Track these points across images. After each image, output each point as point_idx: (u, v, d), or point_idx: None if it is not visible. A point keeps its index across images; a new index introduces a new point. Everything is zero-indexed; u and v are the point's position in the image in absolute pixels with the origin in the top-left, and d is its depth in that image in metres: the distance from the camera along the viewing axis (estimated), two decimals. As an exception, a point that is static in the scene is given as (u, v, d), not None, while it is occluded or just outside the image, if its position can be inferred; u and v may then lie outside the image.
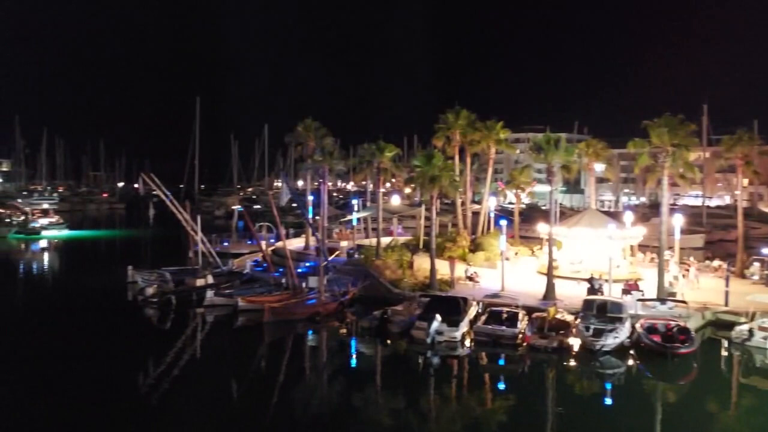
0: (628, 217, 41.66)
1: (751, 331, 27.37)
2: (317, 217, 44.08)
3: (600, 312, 28.24)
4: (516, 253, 43.27)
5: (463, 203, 47.48)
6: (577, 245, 38.52)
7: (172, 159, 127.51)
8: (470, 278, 36.45)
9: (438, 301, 30.42)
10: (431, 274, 34.70)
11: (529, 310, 30.21)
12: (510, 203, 59.09)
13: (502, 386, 24.61)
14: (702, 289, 34.16)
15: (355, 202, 54.71)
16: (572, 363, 26.54)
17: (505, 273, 34.60)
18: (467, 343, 28.15)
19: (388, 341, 28.84)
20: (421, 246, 42.78)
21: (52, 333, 31.11)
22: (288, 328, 31.14)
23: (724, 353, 27.74)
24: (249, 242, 52.43)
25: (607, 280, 32.24)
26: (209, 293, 34.76)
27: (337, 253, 43.54)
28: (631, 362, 26.45)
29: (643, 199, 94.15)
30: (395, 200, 54.96)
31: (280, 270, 37.99)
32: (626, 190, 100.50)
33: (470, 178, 47.94)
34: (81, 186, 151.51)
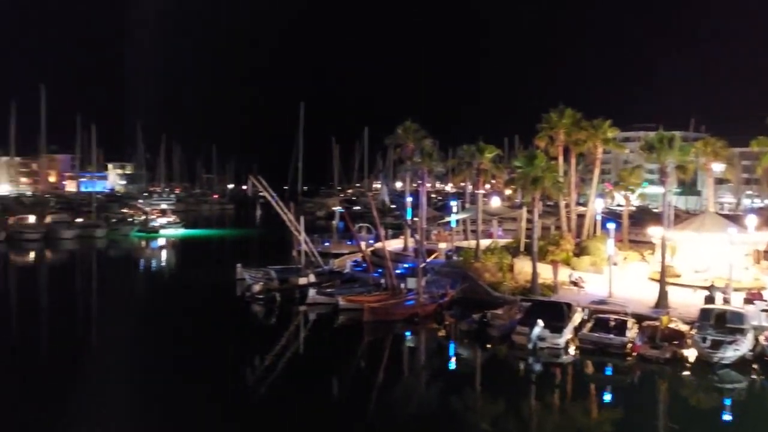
0: (751, 220, 38.44)
1: None
2: (416, 219, 44.12)
3: (719, 322, 26.24)
4: (624, 258, 41.14)
5: (567, 205, 45.79)
6: (695, 250, 36.06)
7: (277, 162, 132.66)
8: (575, 283, 35.07)
9: (540, 306, 29.48)
10: (533, 277, 33.74)
11: (639, 319, 28.61)
12: (618, 205, 56.35)
13: (608, 397, 23.45)
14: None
15: (453, 203, 54.12)
16: (687, 376, 24.86)
17: (612, 278, 32.99)
18: (571, 350, 27.09)
19: (488, 345, 28.34)
20: (522, 249, 41.70)
21: (169, 324, 33.25)
22: (387, 328, 31.40)
23: None
24: (349, 243, 53.36)
25: (732, 290, 29.92)
26: (311, 291, 35.73)
27: (435, 254, 43.37)
28: (754, 377, 24.39)
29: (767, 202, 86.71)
30: (495, 202, 53.93)
31: (379, 270, 38.37)
32: (749, 192, 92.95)
33: (575, 179, 46.05)
34: (195, 188, 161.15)
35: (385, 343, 30.23)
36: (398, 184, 69.39)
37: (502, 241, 45.78)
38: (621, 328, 27.05)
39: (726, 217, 45.27)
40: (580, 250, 40.56)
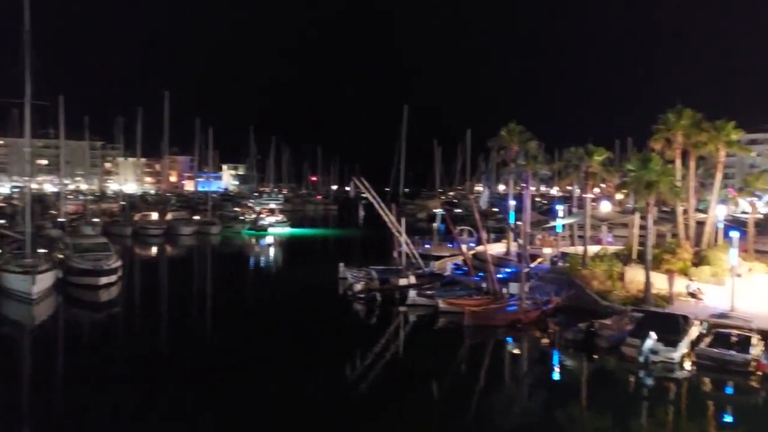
0: None
1: None
2: (519, 222, 43.09)
3: None
4: (749, 270, 37.90)
5: (685, 211, 42.88)
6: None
7: (379, 163, 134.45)
8: (692, 295, 32.80)
9: (653, 318, 27.80)
10: (646, 287, 31.90)
11: (765, 335, 26.29)
12: (743, 213, 52.13)
13: (728, 418, 21.70)
14: None
15: (559, 207, 52.36)
16: (823, 402, 22.51)
17: (735, 291, 30.54)
18: (687, 366, 25.35)
19: (595, 356, 27.11)
20: (633, 256, 39.54)
21: (275, 317, 34.59)
22: (487, 333, 30.87)
23: None
24: (450, 245, 53.07)
25: None
26: (412, 293, 35.84)
27: (539, 260, 42.16)
28: None
29: None
30: (605, 207, 51.50)
31: (480, 274, 37.83)
32: None
33: (694, 184, 43.02)
34: (301, 188, 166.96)
35: (486, 349, 29.74)
36: (501, 187, 68.04)
37: (612, 248, 43.68)
38: (744, 344, 25.02)
39: None
40: (699, 260, 37.83)
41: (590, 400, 23.24)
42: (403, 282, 38.72)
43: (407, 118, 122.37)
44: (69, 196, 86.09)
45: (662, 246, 39.32)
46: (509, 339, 30.71)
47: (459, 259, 43.89)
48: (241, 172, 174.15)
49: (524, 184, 42.43)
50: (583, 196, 44.08)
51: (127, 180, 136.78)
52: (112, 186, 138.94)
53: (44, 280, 36.47)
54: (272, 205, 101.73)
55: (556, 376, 26.70)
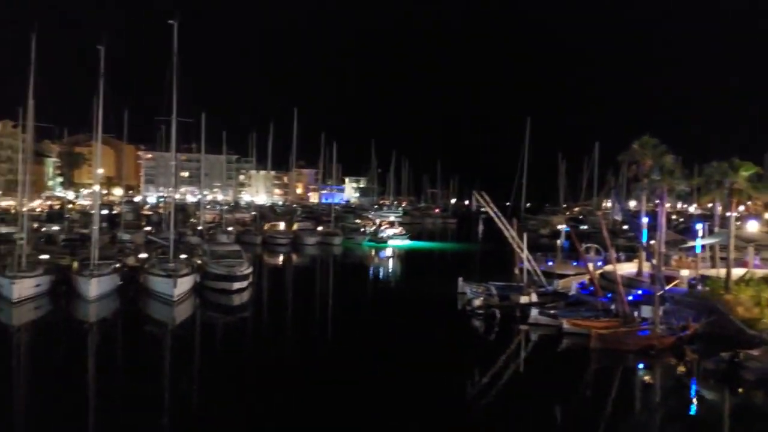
0: None
1: None
2: (653, 242, 40.45)
3: None
4: None
5: None
6: None
7: (500, 177, 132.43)
8: None
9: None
10: (801, 317, 28.70)
11: None
12: None
13: None
14: None
15: (699, 226, 48.57)
16: None
17: None
18: None
19: (740, 390, 24.75)
20: (786, 282, 35.77)
21: (394, 328, 34.91)
22: (616, 358, 29.17)
23: None
24: (575, 263, 50.91)
25: None
26: (534, 311, 34.75)
27: (675, 282, 39.21)
28: None
29: None
30: (752, 226, 47.08)
31: (609, 295, 35.90)
32: None
33: None
34: (420, 201, 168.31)
35: (614, 374, 28.09)
36: (632, 203, 64.48)
37: (760, 272, 39.79)
38: None
39: None
40: None
41: (734, 439, 21.22)
42: (524, 299, 37.64)
43: (530, 131, 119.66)
44: (207, 206, 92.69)
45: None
46: (640, 365, 28.81)
47: (585, 278, 41.95)
48: (362, 185, 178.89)
49: (659, 201, 39.78)
50: (727, 214, 40.61)
51: (258, 191, 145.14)
52: (245, 197, 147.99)
53: (184, 284, 39.44)
54: (392, 218, 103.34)
55: (693, 409, 24.64)
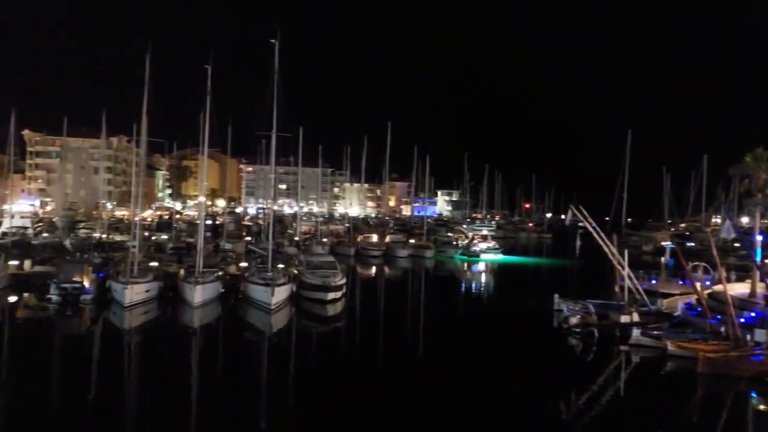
0: None
1: None
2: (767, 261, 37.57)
3: None
4: None
5: None
6: None
7: (599, 192, 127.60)
8: None
9: None
10: None
11: None
12: None
13: None
14: None
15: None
16: None
17: None
18: None
19: None
20: None
21: (484, 344, 34.45)
22: (726, 384, 27.22)
23: None
24: (680, 282, 48.20)
25: None
26: (635, 332, 33.12)
27: (794, 305, 36.15)
28: None
29: None
30: None
31: (718, 317, 33.61)
32: None
33: None
34: (514, 215, 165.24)
35: (724, 402, 26.19)
36: (744, 220, 60.25)
37: None
38: None
39: None
40: None
41: None
42: (624, 319, 35.95)
43: (631, 143, 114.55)
44: (303, 218, 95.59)
45: None
46: (754, 393, 26.72)
47: (691, 298, 39.52)
48: (454, 198, 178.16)
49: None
50: None
51: (352, 204, 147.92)
52: (339, 209, 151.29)
53: (281, 293, 40.84)
54: (485, 231, 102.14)
55: (817, 444, 22.56)
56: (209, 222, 75.26)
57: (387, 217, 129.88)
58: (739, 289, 42.26)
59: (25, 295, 40.92)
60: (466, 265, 75.36)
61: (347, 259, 69.99)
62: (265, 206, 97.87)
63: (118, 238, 64.41)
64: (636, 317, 36.09)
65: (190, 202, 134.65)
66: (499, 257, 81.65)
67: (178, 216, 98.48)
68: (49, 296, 39.96)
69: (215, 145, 54.63)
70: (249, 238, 72.44)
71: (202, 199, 56.55)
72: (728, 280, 39.77)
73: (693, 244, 79.80)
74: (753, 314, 34.29)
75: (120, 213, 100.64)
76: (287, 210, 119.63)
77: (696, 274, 44.38)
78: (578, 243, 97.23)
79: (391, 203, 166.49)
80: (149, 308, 40.48)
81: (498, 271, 72.83)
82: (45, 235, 72.31)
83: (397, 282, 65.49)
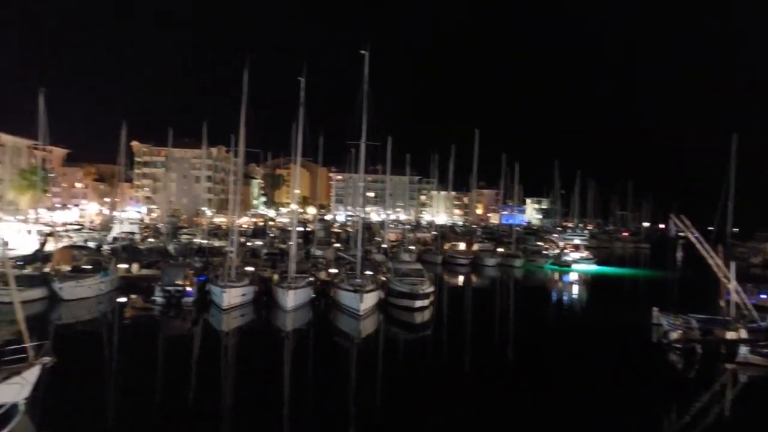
0: None
1: None
2: None
3: None
4: None
5: None
6: None
7: (702, 199, 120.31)
8: None
9: None
10: None
11: None
12: None
13: None
14: None
15: None
16: None
17: None
18: None
19: None
20: None
21: (577, 357, 33.28)
22: None
23: None
24: (795, 297, 44.58)
25: None
26: (743, 349, 31.00)
27: None
28: None
29: None
30: None
31: (841, 336, 30.84)
32: None
33: None
34: (608, 224, 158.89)
35: None
36: None
37: None
38: None
39: None
40: None
41: None
42: (731, 335, 33.73)
43: (737, 148, 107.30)
44: (390, 225, 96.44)
45: None
46: None
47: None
48: (544, 207, 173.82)
49: None
50: None
51: (439, 211, 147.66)
52: (426, 216, 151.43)
53: (370, 299, 41.39)
54: (577, 241, 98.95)
55: None
56: (300, 229, 77.51)
57: (474, 225, 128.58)
58: None
59: (133, 296, 43.69)
60: (557, 275, 73.26)
61: (434, 267, 69.86)
62: (353, 214, 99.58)
63: (216, 243, 67.57)
64: (744, 334, 33.79)
65: (283, 210, 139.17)
66: (593, 268, 78.76)
67: (271, 223, 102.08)
68: (154, 298, 42.50)
69: (307, 154, 56.10)
70: (338, 245, 73.93)
71: (294, 206, 58.28)
72: None
73: (810, 256, 73.63)
74: None
75: (218, 220, 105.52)
76: (375, 217, 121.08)
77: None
78: (680, 254, 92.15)
79: (479, 211, 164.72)
80: (245, 311, 42.19)
81: (591, 282, 70.20)
82: (150, 240, 77.23)
83: (484, 291, 64.61)
